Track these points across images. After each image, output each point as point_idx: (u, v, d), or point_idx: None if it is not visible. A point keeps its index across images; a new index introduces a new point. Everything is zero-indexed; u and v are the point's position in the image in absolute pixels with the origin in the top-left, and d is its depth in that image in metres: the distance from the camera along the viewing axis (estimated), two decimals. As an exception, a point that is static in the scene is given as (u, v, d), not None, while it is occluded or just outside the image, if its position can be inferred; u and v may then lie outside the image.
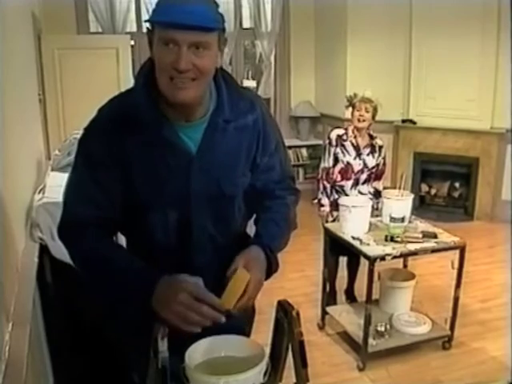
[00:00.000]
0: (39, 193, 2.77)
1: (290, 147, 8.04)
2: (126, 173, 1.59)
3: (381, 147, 4.19)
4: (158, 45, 1.46)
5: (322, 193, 4.16)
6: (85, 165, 1.62)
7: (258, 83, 8.28)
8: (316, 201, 4.20)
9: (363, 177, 4.15)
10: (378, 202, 4.09)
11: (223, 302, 1.48)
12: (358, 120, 4.03)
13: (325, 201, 4.13)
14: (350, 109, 4.13)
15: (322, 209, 4.14)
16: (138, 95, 1.58)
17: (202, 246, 1.71)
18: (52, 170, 3.19)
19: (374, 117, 4.07)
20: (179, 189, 1.62)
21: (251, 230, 1.87)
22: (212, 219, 1.70)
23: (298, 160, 8.21)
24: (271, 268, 1.68)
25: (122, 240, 1.88)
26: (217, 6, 1.51)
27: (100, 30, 7.00)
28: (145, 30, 1.58)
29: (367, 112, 4.02)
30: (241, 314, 1.60)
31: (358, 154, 4.09)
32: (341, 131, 4.15)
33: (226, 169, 1.67)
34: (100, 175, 1.59)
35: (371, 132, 4.18)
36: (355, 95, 4.14)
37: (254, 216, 1.86)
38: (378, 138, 4.21)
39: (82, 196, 1.62)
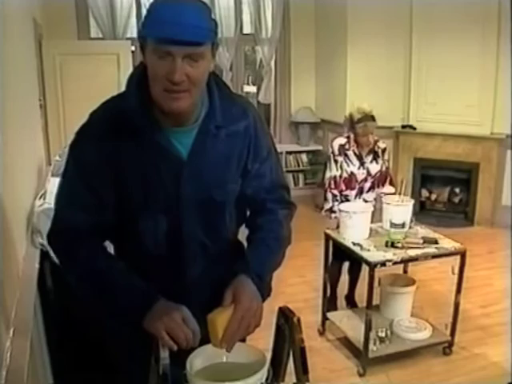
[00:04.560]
0: (40, 198, 2.77)
1: (290, 153, 8.07)
2: (118, 177, 1.58)
3: (383, 150, 4.17)
4: (152, 55, 1.45)
5: (333, 201, 4.07)
6: (76, 170, 1.61)
7: (259, 89, 8.29)
8: (326, 211, 4.12)
9: (367, 185, 4.15)
10: None
11: (213, 342, 1.51)
12: (365, 143, 4.01)
13: (336, 208, 4.02)
14: (352, 131, 4.07)
15: (334, 215, 4.04)
16: (130, 99, 1.57)
17: (193, 253, 1.70)
18: (52, 175, 3.19)
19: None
20: (169, 194, 1.61)
21: (243, 236, 1.85)
22: (202, 225, 1.69)
23: (298, 165, 8.21)
24: (262, 294, 1.62)
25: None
26: (209, 11, 1.49)
27: (101, 35, 7.01)
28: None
29: (372, 133, 4.01)
30: None
31: (362, 163, 4.08)
32: (343, 140, 4.10)
33: (217, 175, 1.66)
34: (92, 180, 1.58)
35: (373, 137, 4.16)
36: (351, 117, 4.06)
37: (247, 232, 1.82)
38: (380, 141, 4.18)
39: (73, 202, 1.61)
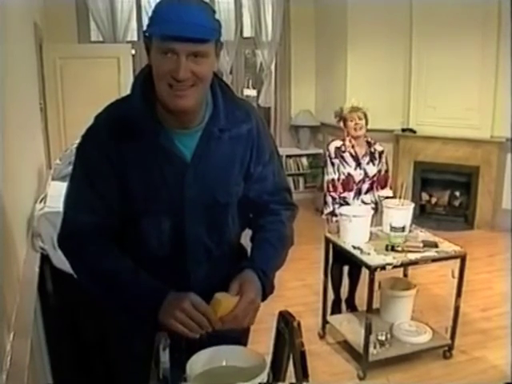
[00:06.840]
0: (40, 202, 2.77)
1: (290, 156, 8.08)
2: (122, 179, 1.59)
3: (381, 153, 4.18)
4: (157, 54, 1.47)
5: (333, 204, 4.05)
6: (83, 173, 1.63)
7: (259, 92, 8.31)
8: (327, 214, 4.09)
9: (365, 186, 4.14)
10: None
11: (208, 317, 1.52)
12: (355, 129, 4.04)
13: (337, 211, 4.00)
14: (342, 123, 4.13)
15: (335, 219, 3.99)
16: (135, 102, 1.58)
17: (196, 256, 1.71)
18: (53, 179, 3.19)
19: (367, 122, 4.08)
20: (173, 196, 1.62)
21: (246, 240, 1.87)
22: (206, 228, 1.70)
23: (299, 169, 8.22)
24: (265, 290, 1.66)
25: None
26: (213, 12, 1.52)
27: (101, 38, 7.03)
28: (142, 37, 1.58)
29: (360, 119, 4.03)
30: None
31: (358, 164, 4.09)
32: (338, 143, 4.13)
33: (220, 177, 1.67)
34: (98, 182, 1.60)
35: (369, 139, 4.17)
36: (342, 109, 4.18)
37: (251, 233, 1.84)
38: (377, 143, 4.20)
39: (81, 204, 1.63)
